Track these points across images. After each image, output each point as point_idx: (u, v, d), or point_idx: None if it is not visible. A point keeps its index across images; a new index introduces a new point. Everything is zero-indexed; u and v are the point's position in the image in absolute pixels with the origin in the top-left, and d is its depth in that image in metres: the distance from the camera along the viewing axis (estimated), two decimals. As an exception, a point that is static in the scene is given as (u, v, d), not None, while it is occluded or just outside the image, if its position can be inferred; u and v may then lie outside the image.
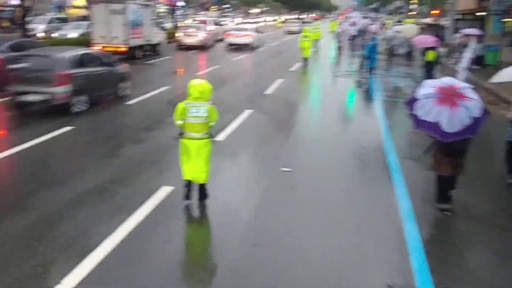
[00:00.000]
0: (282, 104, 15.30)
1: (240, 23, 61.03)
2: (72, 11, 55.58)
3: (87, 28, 29.75)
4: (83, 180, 8.23)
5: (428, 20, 53.06)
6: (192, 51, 31.52)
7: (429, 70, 18.77)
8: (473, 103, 6.22)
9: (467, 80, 14.01)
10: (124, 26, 24.48)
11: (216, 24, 42.49)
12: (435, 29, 34.12)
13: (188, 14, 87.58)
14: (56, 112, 12.32)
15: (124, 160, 9.46)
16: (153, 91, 16.56)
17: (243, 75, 21.75)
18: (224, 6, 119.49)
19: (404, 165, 9.13)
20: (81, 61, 13.21)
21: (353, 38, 36.72)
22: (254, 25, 45.83)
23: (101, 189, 7.89)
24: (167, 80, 18.98)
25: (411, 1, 74.73)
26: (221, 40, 41.69)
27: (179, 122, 6.93)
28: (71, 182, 8.12)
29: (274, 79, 19.65)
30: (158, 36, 28.43)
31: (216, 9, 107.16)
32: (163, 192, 7.67)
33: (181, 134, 6.98)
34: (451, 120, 6.10)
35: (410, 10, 79.36)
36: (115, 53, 24.59)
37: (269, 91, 17.12)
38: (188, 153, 6.94)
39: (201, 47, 32.90)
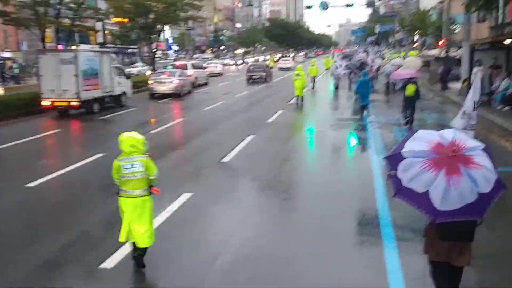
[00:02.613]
0: (237, 181, 11.61)
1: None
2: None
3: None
4: None
5: (435, 52, 49.66)
6: (165, 100, 28.20)
7: (407, 107, 17.37)
8: (482, 173, 4.28)
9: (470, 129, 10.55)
10: (75, 77, 21.14)
11: (198, 68, 39.28)
12: (446, 63, 30.43)
13: (182, 57, 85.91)
14: None
15: None
16: (79, 161, 12.92)
17: (207, 130, 18.15)
18: (221, 47, 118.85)
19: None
20: None
21: (349, 74, 34.40)
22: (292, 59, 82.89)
23: None
24: (108, 144, 15.40)
25: (415, 33, 71.63)
26: (205, 84, 38.79)
27: (117, 180, 6.44)
28: None
29: (244, 136, 16.08)
30: (121, 86, 25.04)
31: (210, 51, 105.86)
32: None
33: (118, 193, 6.43)
34: (448, 193, 4.21)
35: (413, 42, 76.59)
36: (68, 108, 21.43)
37: (227, 158, 13.40)
38: (125, 212, 6.35)
39: (175, 95, 29.57)
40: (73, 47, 48.82)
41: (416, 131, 4.76)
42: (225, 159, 13.18)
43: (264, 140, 15.95)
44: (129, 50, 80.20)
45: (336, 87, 32.35)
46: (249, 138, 15.95)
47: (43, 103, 21.48)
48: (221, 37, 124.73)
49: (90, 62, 22.10)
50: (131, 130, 6.74)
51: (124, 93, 25.32)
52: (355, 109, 22.15)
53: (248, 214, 8.99)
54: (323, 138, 16.76)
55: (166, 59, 75.53)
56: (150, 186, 6.45)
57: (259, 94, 32.08)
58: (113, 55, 25.78)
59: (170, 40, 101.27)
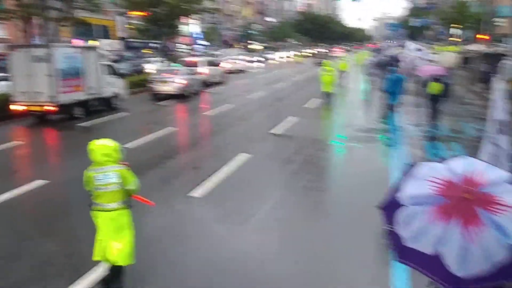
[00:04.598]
0: (197, 236, 8.23)
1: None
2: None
3: None
4: None
5: (474, 47, 45.40)
6: (167, 102, 25.01)
7: (433, 106, 16.05)
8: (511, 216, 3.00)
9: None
10: (49, 77, 18.08)
11: (211, 64, 36.00)
12: (490, 60, 26.26)
13: (207, 52, 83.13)
14: None
15: None
16: (4, 192, 9.80)
17: (193, 145, 14.98)
18: (250, 42, 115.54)
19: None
20: None
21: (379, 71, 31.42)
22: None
23: None
24: (63, 164, 12.34)
25: (452, 26, 67.09)
26: (220, 82, 35.58)
27: (90, 192, 5.77)
28: None
29: (234, 155, 12.75)
30: (113, 87, 21.90)
31: (239, 46, 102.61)
32: None
33: (91, 205, 5.76)
34: (467, 252, 3.01)
35: (451, 36, 72.08)
36: (43, 113, 18.45)
37: (199, 190, 10.02)
38: (98, 227, 5.73)
39: (181, 96, 26.37)
40: (91, 42, 46.11)
41: (414, 164, 3.43)
42: (196, 193, 9.83)
43: (259, 162, 12.46)
44: (153, 45, 77.65)
45: (368, 85, 29.66)
46: (240, 158, 12.58)
47: (13, 107, 18.51)
48: (250, 31, 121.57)
49: (70, 60, 18.97)
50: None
51: (116, 95, 22.18)
52: (382, 113, 19.12)
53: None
54: (335, 160, 13.29)
55: (193, 54, 72.60)
56: (130, 197, 5.83)
57: (276, 94, 28.59)
58: (102, 52, 22.55)
59: (197, 34, 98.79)
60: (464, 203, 3.14)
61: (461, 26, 65.05)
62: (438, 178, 3.28)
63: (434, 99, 15.82)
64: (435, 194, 3.22)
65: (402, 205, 3.23)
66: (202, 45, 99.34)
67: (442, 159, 3.46)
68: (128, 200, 5.82)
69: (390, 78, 18.41)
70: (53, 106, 18.24)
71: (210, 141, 15.40)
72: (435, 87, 15.67)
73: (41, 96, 18.22)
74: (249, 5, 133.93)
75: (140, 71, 35.80)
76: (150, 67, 39.82)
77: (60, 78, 18.35)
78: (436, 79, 16.06)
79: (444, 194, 3.21)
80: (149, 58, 46.71)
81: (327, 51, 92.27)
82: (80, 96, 19.57)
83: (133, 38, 72.55)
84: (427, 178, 3.29)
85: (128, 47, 76.16)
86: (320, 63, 53.07)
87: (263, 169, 11.84)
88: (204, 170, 11.57)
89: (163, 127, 17.23)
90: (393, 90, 17.84)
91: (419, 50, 27.08)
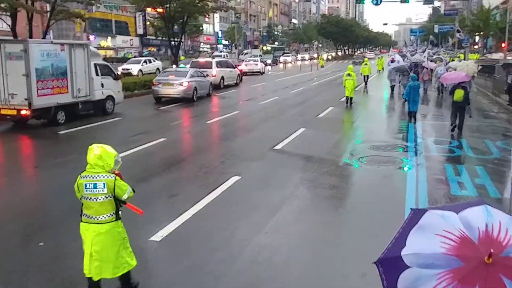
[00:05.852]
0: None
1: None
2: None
3: None
4: None
5: (499, 56, 42.57)
6: (168, 107, 22.70)
7: (455, 113, 15.48)
8: None
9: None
10: (25, 77, 15.81)
11: (226, 66, 33.57)
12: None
13: (231, 53, 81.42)
14: None
15: None
16: None
17: (180, 162, 12.52)
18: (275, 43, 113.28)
19: None
20: None
21: (399, 77, 29.15)
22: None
23: None
24: (14, 182, 9.96)
25: (476, 34, 63.88)
26: (235, 85, 33.30)
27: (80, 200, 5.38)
28: None
29: (224, 179, 10.24)
30: (106, 89, 19.56)
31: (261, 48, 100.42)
32: None
33: (81, 216, 5.32)
34: None
35: (475, 43, 68.66)
36: (19, 118, 16.26)
37: (161, 234, 7.41)
38: (85, 240, 5.21)
39: (187, 99, 24.00)
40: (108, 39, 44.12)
41: (423, 211, 2.78)
42: (158, 236, 7.27)
43: (248, 188, 9.81)
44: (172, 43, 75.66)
45: (391, 89, 28.06)
46: (230, 181, 10.04)
47: (-13, 112, 16.36)
48: (274, 32, 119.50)
49: (52, 57, 16.63)
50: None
51: (110, 98, 19.83)
52: (402, 125, 17.51)
53: None
54: (342, 188, 10.24)
55: (213, 54, 70.69)
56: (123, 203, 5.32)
57: (291, 100, 25.84)
58: (94, 49, 20.27)
59: (220, 34, 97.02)
60: (485, 268, 2.54)
61: (483, 34, 61.89)
62: (452, 233, 2.66)
63: (458, 104, 15.34)
64: (448, 254, 2.60)
65: (408, 266, 2.63)
66: (225, 45, 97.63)
67: (455, 207, 2.79)
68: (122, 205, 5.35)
69: (411, 85, 17.70)
70: (29, 110, 16.00)
71: (201, 158, 12.83)
72: (459, 93, 15.20)
73: (16, 98, 16.03)
74: (275, 6, 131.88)
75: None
76: (133, 69, 38.10)
77: (38, 79, 16.09)
78: (461, 85, 15.48)
79: (459, 254, 2.60)
80: (136, 58, 44.73)
81: (363, 54, 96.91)
82: (65, 99, 17.28)
83: (152, 36, 71.09)
84: (438, 232, 2.67)
85: (146, 44, 74.65)
86: (358, 63, 53.78)
87: (252, 201, 9.04)
88: (181, 199, 9.07)
89: (153, 138, 14.75)
90: (414, 97, 17.48)
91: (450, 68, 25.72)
